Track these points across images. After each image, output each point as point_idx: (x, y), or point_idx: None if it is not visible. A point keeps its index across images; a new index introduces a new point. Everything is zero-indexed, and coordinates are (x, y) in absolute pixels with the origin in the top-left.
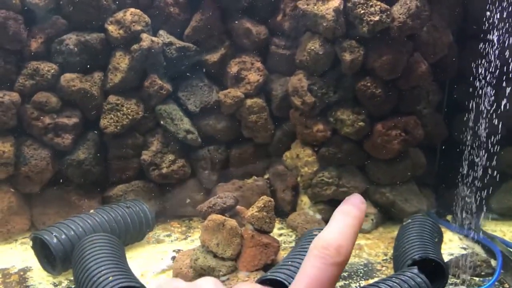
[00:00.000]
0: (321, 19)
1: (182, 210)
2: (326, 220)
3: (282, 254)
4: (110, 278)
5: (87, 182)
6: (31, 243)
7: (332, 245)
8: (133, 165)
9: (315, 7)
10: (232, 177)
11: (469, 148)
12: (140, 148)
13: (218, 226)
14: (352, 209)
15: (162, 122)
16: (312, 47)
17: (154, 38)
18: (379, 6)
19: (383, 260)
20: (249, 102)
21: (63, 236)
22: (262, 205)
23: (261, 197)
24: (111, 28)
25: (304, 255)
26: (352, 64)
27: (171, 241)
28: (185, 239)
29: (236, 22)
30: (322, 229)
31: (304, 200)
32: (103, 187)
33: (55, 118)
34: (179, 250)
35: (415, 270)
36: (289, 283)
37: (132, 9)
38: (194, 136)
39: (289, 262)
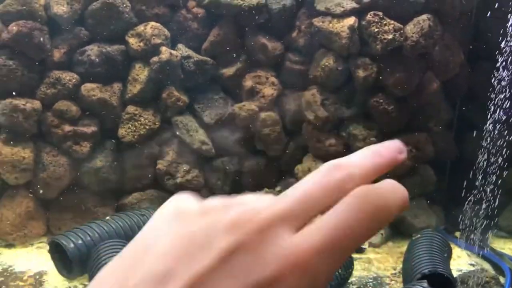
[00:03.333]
0: (335, 37)
1: None
2: None
3: None
4: None
5: (103, 190)
6: (48, 247)
7: (345, 167)
8: (148, 174)
9: (330, 24)
10: (244, 189)
11: (478, 166)
12: (155, 157)
13: None
14: (382, 149)
15: (178, 133)
16: (326, 63)
17: (173, 52)
18: (392, 25)
19: (392, 274)
20: (263, 115)
21: (80, 241)
22: None
23: None
24: (131, 40)
25: None
26: (365, 80)
27: None
28: None
29: (253, 37)
30: None
31: None
32: (118, 195)
33: (74, 126)
34: None
35: (425, 284)
36: None
37: (153, 23)
38: (208, 147)
39: None
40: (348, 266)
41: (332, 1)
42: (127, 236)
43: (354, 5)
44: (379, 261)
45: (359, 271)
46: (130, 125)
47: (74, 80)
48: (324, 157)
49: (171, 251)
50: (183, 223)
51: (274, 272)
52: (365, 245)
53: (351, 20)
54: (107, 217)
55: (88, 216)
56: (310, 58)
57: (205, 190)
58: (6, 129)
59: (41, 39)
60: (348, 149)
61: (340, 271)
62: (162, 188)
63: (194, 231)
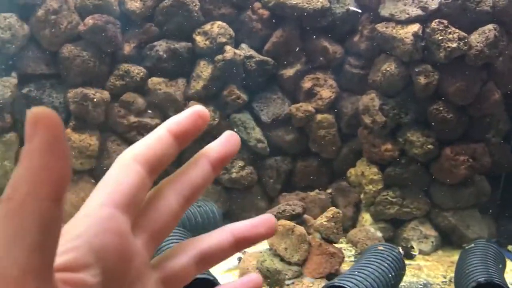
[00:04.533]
0: (399, 43)
1: (246, 215)
2: (386, 239)
3: (343, 267)
4: None
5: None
6: None
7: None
8: None
9: (394, 30)
10: (296, 188)
11: None
12: None
13: (287, 231)
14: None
15: (235, 130)
16: (388, 69)
17: (237, 51)
18: (457, 34)
19: (442, 282)
20: (319, 117)
21: None
22: (331, 216)
23: (330, 208)
24: (198, 38)
25: (369, 268)
26: (426, 87)
27: None
28: None
29: (314, 40)
30: (386, 245)
31: (365, 217)
32: None
33: (139, 118)
34: (244, 251)
35: None
36: None
37: (219, 22)
38: (263, 145)
39: (356, 272)
40: (402, 268)
41: (397, 7)
42: (184, 225)
43: (419, 12)
44: (429, 269)
45: (408, 277)
46: None
47: (141, 74)
48: (379, 162)
49: None
50: None
51: None
52: (415, 252)
53: (415, 27)
54: None
55: None
56: (369, 63)
57: (257, 187)
58: (76, 117)
59: (114, 32)
60: (403, 155)
61: (393, 273)
62: (217, 182)
63: None
